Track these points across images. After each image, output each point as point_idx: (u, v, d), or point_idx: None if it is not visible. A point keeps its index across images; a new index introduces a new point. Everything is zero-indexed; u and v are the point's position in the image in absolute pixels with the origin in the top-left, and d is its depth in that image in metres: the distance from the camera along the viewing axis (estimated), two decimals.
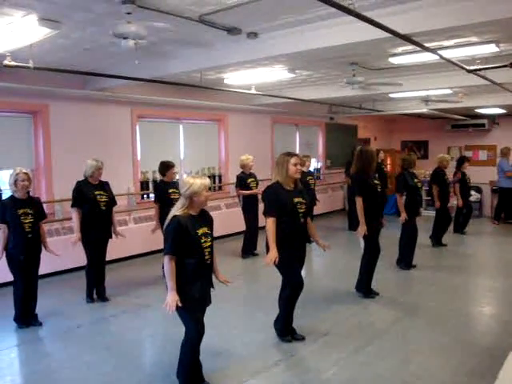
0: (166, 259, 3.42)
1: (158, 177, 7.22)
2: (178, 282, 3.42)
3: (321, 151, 13.30)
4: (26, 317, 5.13)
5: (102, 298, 5.97)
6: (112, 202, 5.97)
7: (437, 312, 5.44)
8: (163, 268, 3.83)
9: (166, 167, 6.69)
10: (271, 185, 4.53)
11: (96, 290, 5.99)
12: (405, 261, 7.20)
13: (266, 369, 4.09)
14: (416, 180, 7.26)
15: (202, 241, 3.47)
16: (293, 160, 4.39)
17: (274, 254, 4.25)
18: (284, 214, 4.33)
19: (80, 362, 4.33)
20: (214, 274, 3.75)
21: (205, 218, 3.61)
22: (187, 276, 3.43)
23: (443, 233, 8.83)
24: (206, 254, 3.50)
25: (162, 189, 6.56)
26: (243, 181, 8.00)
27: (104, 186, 5.90)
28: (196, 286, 3.46)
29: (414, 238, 7.15)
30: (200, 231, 3.47)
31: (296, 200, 4.38)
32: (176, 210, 3.49)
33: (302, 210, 4.40)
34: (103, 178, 5.94)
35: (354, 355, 4.32)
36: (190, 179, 3.54)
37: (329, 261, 7.95)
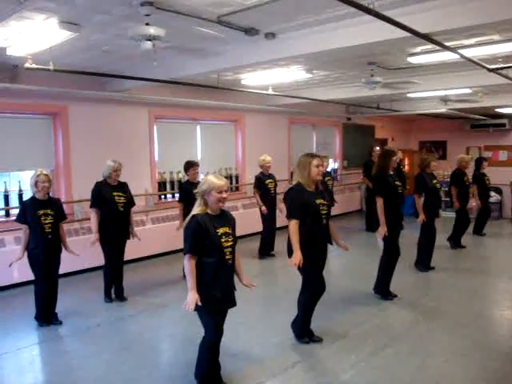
0: (186, 258, 3.42)
1: (183, 176, 7.24)
2: (199, 282, 3.41)
3: (338, 152, 13.24)
4: (46, 315, 5.19)
5: (120, 297, 6.02)
6: (130, 203, 6.00)
7: (456, 315, 5.37)
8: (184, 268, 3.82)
9: (188, 165, 6.74)
10: (293, 186, 4.48)
11: (114, 290, 6.05)
12: (423, 263, 7.12)
13: (284, 370, 4.08)
14: (435, 181, 7.17)
15: (223, 240, 3.45)
16: (315, 161, 4.36)
17: (298, 256, 4.22)
18: (307, 215, 4.30)
19: (99, 360, 4.38)
20: (237, 277, 3.72)
21: (226, 219, 3.58)
22: (207, 276, 3.42)
23: (462, 234, 8.71)
24: (227, 253, 3.48)
25: (187, 189, 6.51)
26: (261, 182, 7.97)
27: (123, 187, 5.94)
28: (217, 285, 3.44)
29: (432, 240, 7.08)
30: (220, 230, 3.45)
31: (318, 201, 4.35)
32: (194, 209, 3.51)
33: (324, 212, 4.37)
34: (122, 179, 5.98)
35: (372, 358, 4.29)
36: (207, 177, 3.56)
37: (346, 262, 7.90)
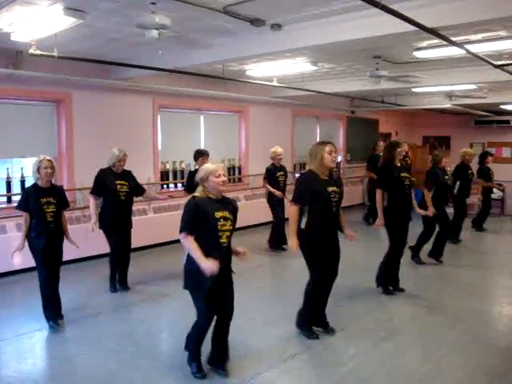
0: (182, 237, 3.44)
1: (194, 165, 7.16)
2: (193, 266, 3.42)
3: (341, 145, 13.21)
4: (54, 307, 4.99)
5: (124, 285, 5.99)
6: (134, 191, 5.95)
7: (455, 310, 5.38)
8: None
9: (198, 154, 6.62)
10: (305, 172, 4.47)
11: (118, 278, 6.00)
12: (438, 254, 7.18)
13: (283, 362, 4.09)
14: (446, 177, 7.14)
15: (220, 223, 3.47)
16: (327, 148, 4.31)
17: (293, 242, 4.32)
18: (317, 202, 4.27)
19: (99, 348, 4.40)
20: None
21: (226, 203, 3.62)
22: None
23: (460, 229, 8.70)
24: (223, 237, 3.50)
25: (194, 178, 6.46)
26: (271, 173, 7.82)
27: (126, 176, 5.88)
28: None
29: (445, 233, 7.13)
30: (219, 214, 3.48)
31: (331, 189, 4.32)
32: (195, 193, 3.60)
33: (335, 199, 4.36)
34: (125, 167, 5.92)
35: (371, 351, 4.30)
36: (204, 165, 3.65)
37: (347, 255, 7.81)
